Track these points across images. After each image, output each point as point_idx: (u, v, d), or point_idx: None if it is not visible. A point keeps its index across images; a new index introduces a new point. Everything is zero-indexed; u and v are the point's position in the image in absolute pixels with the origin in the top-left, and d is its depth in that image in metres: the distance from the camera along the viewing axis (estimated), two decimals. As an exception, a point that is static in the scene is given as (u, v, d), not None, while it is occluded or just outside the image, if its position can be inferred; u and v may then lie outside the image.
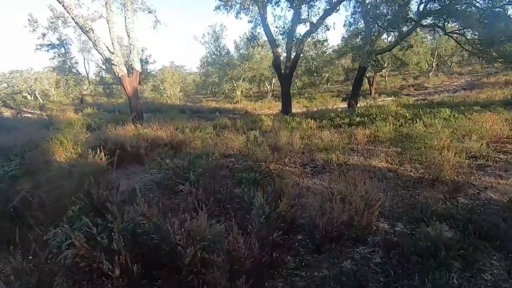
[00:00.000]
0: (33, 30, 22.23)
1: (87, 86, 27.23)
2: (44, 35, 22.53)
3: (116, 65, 8.89)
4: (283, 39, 13.13)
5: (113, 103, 26.45)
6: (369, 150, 6.56)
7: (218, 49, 28.37)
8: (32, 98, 39.95)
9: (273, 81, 39.86)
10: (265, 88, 42.15)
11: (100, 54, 8.84)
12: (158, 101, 26.62)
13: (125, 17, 9.21)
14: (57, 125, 8.52)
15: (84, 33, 8.45)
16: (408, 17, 10.96)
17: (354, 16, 19.13)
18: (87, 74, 27.02)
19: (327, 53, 44.20)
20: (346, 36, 38.35)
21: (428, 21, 11.73)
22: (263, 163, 4.92)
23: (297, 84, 41.91)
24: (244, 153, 5.81)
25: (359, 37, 35.04)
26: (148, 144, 6.26)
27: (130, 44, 9.39)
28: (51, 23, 22.33)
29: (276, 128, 9.45)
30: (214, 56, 29.16)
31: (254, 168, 4.83)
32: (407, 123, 8.90)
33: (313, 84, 40.59)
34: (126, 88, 9.48)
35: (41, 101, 38.47)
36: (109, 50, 8.87)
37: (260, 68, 29.34)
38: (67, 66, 24.82)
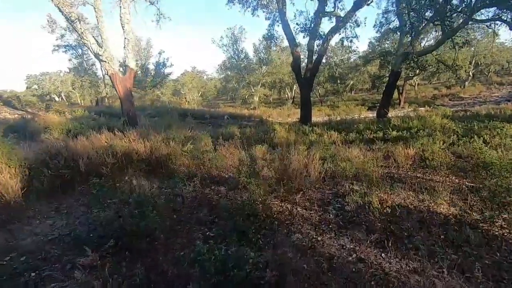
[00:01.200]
0: (52, 31, 22.06)
1: (102, 88, 26.89)
2: (62, 36, 22.40)
3: (106, 61, 7.61)
4: (304, 37, 11.45)
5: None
6: (419, 179, 4.63)
7: (237, 52, 27.10)
8: (60, 99, 41.01)
9: (294, 88, 38.07)
10: (285, 95, 40.42)
11: (88, 48, 7.60)
12: (171, 105, 25.70)
13: (120, 6, 7.94)
14: (31, 129, 7.35)
15: (69, 23, 7.23)
16: (459, 7, 8.81)
17: (385, 16, 17.09)
18: (103, 76, 26.70)
19: (352, 59, 41.95)
20: (373, 41, 36.04)
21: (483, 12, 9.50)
22: (260, 203, 3.18)
23: (319, 91, 39.82)
24: (239, 179, 4.10)
25: (389, 40, 32.67)
26: (116, 160, 4.71)
27: (125, 38, 8.09)
28: (70, 24, 22.14)
29: (290, 142, 7.69)
30: (232, 60, 27.91)
31: (246, 208, 3.09)
32: (461, 141, 6.82)
33: (337, 92, 38.26)
34: (117, 89, 8.16)
35: (66, 102, 39.31)
36: (98, 44, 7.62)
37: (280, 73, 27.68)
38: (84, 68, 24.55)
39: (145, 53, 27.54)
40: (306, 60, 12.60)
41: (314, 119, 22.92)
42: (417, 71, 20.68)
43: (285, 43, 30.17)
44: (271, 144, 8.12)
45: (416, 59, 11.26)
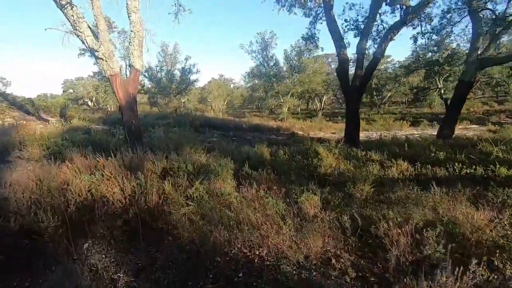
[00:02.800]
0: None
1: (126, 94, 26.11)
2: (89, 40, 21.77)
3: (103, 59, 5.86)
4: (355, 36, 9.14)
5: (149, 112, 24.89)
6: None
7: (266, 59, 25.17)
8: (92, 104, 41.71)
9: (324, 99, 35.42)
10: (314, 106, 37.81)
11: (82, 41, 5.90)
12: (195, 113, 24.22)
13: (126, -9, 6.22)
14: (3, 143, 5.72)
15: (58, 8, 5.55)
16: None
17: (447, 16, 14.17)
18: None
19: (390, 69, 38.53)
20: (417, 48, 32.57)
21: None
22: None
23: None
24: None
25: (438, 48, 29.20)
26: (66, 217, 2.68)
27: (131, 31, 6.32)
28: (95, 27, 21.53)
29: (342, 174, 5.39)
30: (261, 67, 26.00)
31: None
32: None
33: (373, 104, 34.95)
34: (117, 94, 6.38)
35: (96, 107, 39.71)
36: (94, 36, 5.90)
37: (313, 82, 25.28)
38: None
39: (171, 59, 26.55)
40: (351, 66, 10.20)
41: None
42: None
43: (318, 50, 27.97)
44: (315, 176, 5.85)
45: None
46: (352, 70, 12.84)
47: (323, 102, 35.13)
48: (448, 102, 28.83)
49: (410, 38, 9.26)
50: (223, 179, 4.22)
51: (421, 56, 31.17)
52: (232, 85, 56.54)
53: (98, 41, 5.80)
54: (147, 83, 27.84)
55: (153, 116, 21.48)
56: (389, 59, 41.33)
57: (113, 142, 5.75)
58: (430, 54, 30.16)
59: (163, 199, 3.20)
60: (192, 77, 27.32)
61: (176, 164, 4.46)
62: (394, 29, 7.92)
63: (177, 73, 27.26)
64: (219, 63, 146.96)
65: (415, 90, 31.01)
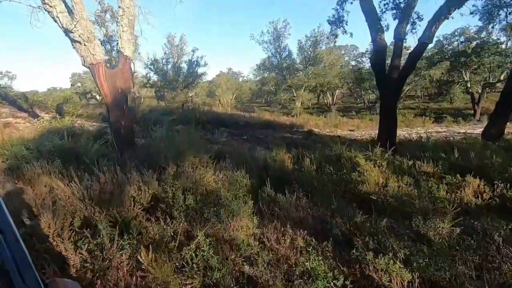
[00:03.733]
0: (81, 24, 20.23)
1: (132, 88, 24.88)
2: (91, 30, 20.49)
3: (79, 43, 4.48)
4: (394, 18, 7.50)
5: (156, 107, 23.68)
6: None
7: (278, 50, 23.43)
8: (100, 98, 40.83)
9: (336, 93, 33.51)
10: (325, 100, 35.91)
11: (54, 20, 4.52)
12: (202, 108, 22.86)
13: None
14: None
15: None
16: None
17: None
18: (132, 74, 24.68)
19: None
20: (441, 39, 30.16)
21: None
22: None
23: (366, 97, 34.77)
24: None
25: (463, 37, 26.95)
26: None
27: (119, 7, 4.91)
28: (98, 17, 20.21)
29: (399, 198, 3.90)
30: (273, 59, 24.28)
31: None
32: None
33: (391, 99, 32.86)
34: (102, 88, 4.99)
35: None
36: (70, 14, 4.51)
37: (329, 75, 23.47)
38: (111, 65, 22.64)
39: (177, 51, 25.13)
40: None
41: (368, 131, 18.48)
42: None
43: (331, 43, 25.86)
44: (359, 197, 4.43)
45: None
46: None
47: (334, 96, 33.26)
48: (475, 96, 26.55)
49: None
50: (238, 215, 2.80)
51: (445, 46, 28.87)
52: (240, 79, 55.05)
53: (72, 17, 4.39)
54: (153, 77, 26.54)
55: (158, 111, 20.25)
56: (407, 50, 38.95)
57: (93, 150, 4.42)
58: (456, 43, 27.85)
59: (137, 279, 1.79)
60: (200, 70, 25.89)
61: (171, 190, 3.06)
62: (452, 5, 6.22)
63: (184, 66, 25.87)
64: (228, 56, 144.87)
65: (437, 84, 28.74)
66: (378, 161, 5.20)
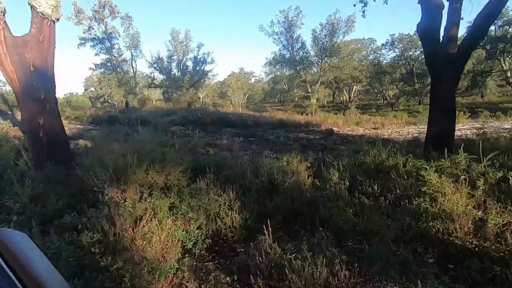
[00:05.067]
0: (78, 22, 19.07)
1: (134, 87, 23.47)
2: (90, 27, 19.25)
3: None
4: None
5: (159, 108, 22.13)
6: None
7: (290, 41, 21.21)
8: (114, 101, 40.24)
9: (354, 89, 30.84)
10: (341, 98, 33.23)
11: None
12: (211, 107, 21.10)
13: None
14: None
15: None
16: None
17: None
18: (134, 73, 23.22)
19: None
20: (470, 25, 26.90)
21: None
22: None
23: (389, 92, 31.87)
24: None
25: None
26: None
27: None
28: (96, 12, 18.87)
29: None
30: (284, 52, 22.10)
31: None
32: None
33: (416, 93, 29.70)
34: (2, 65, 3.20)
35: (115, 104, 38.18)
36: None
37: (348, 67, 21.02)
38: (113, 64, 21.24)
39: (183, 47, 23.50)
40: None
41: (391, 129, 15.95)
42: None
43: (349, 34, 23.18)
44: (431, 239, 2.30)
45: None
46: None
47: (351, 93, 30.61)
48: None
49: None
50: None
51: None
52: (253, 79, 53.25)
53: None
54: (158, 76, 25.04)
55: (160, 112, 18.62)
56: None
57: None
58: (492, 27, 24.62)
59: None
60: (207, 67, 24.13)
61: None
62: None
63: (190, 64, 24.20)
64: (240, 56, 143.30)
65: (472, 75, 25.44)
66: (462, 175, 3.02)
